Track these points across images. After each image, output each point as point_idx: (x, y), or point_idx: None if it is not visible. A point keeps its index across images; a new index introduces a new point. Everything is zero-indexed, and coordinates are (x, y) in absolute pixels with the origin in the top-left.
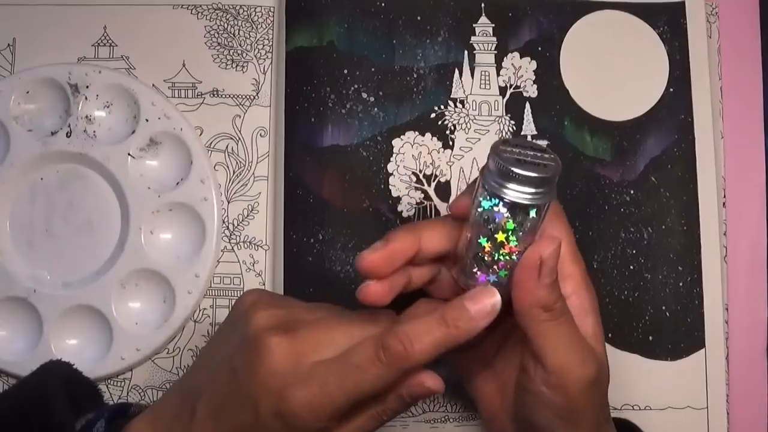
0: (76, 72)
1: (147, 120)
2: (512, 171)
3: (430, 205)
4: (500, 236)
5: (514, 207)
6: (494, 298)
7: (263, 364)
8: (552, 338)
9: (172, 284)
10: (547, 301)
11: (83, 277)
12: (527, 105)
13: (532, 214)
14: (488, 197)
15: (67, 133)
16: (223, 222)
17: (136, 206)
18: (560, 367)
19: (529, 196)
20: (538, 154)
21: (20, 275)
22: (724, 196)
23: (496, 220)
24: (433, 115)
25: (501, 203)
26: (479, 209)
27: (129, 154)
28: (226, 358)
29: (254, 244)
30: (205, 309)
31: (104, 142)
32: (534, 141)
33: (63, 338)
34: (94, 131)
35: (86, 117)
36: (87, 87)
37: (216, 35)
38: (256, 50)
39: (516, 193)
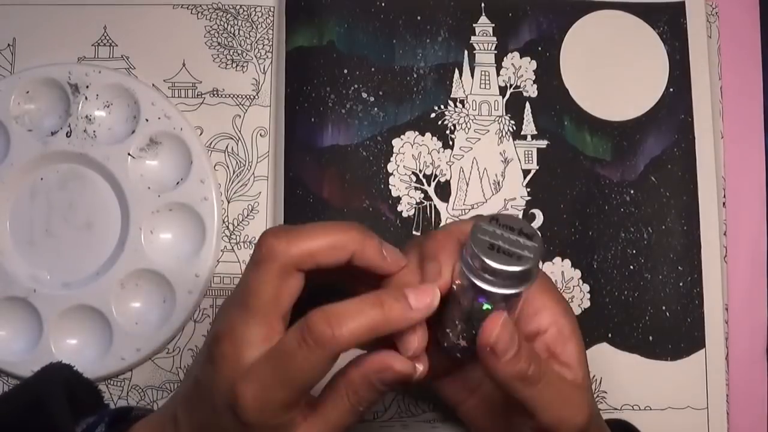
0: (76, 72)
1: (147, 120)
2: (485, 262)
3: (430, 205)
4: (474, 315)
5: (487, 294)
6: (436, 298)
7: (215, 371)
8: (539, 400)
9: (172, 284)
10: (517, 374)
11: (83, 277)
12: (527, 105)
13: (509, 298)
14: (464, 277)
15: (67, 133)
16: (223, 222)
17: (136, 206)
18: (553, 423)
19: (503, 288)
20: (521, 240)
21: (20, 275)
22: (724, 196)
23: (471, 301)
24: (433, 115)
25: (474, 288)
26: (456, 284)
27: (129, 154)
28: (193, 368)
29: (254, 244)
30: (205, 309)
31: (104, 142)
32: (523, 221)
33: (63, 338)
34: (94, 131)
35: (86, 117)
36: (87, 87)
37: (216, 35)
38: (256, 50)
39: (489, 282)
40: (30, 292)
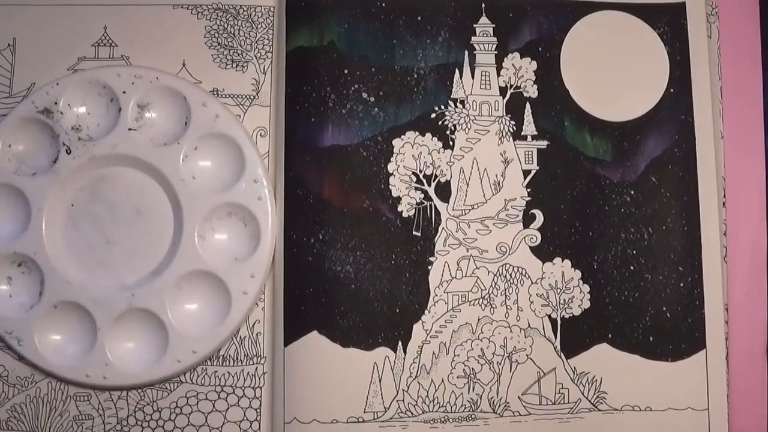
0: (125, 74)
1: (198, 121)
2: None
3: (430, 205)
4: None
5: None
6: None
7: None
8: None
9: (228, 285)
10: None
11: (138, 281)
12: (527, 105)
13: None
14: None
15: (113, 136)
16: None
17: (189, 208)
18: None
19: None
20: None
21: (74, 279)
22: (724, 196)
23: None
24: (433, 115)
25: None
26: None
27: (181, 156)
28: None
29: None
30: None
31: (156, 144)
32: None
33: (118, 342)
34: (150, 136)
35: (135, 119)
36: (124, 92)
37: (216, 35)
38: (256, 50)
39: None
40: (84, 297)
